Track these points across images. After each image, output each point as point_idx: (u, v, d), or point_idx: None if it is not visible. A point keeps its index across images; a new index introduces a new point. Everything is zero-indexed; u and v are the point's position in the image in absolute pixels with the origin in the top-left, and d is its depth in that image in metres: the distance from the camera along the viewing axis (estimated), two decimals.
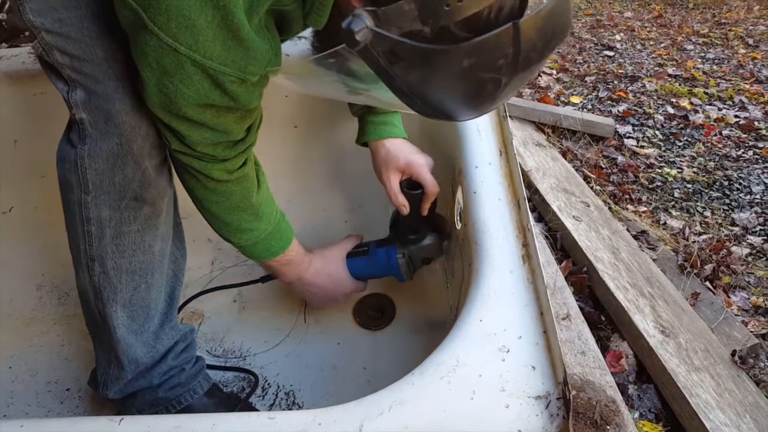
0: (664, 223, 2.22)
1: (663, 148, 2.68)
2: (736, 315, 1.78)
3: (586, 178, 2.39)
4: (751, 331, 1.71)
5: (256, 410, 1.29)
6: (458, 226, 1.19)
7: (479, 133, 1.19)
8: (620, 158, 2.58)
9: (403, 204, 1.27)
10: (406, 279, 1.35)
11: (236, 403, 1.29)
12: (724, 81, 3.18)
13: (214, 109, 0.90)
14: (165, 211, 1.10)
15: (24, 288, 1.57)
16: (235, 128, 0.97)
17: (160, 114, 0.91)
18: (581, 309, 1.72)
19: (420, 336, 1.41)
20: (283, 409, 1.30)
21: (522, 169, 1.51)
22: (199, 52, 0.79)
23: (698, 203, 2.33)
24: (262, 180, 1.15)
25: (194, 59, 0.80)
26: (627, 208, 2.27)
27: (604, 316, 1.70)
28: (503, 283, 0.94)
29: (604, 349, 1.60)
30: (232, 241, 1.17)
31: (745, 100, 3.00)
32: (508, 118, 1.18)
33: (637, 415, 1.38)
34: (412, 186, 1.27)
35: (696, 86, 3.13)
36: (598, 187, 2.35)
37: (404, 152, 1.25)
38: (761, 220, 2.25)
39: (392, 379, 0.85)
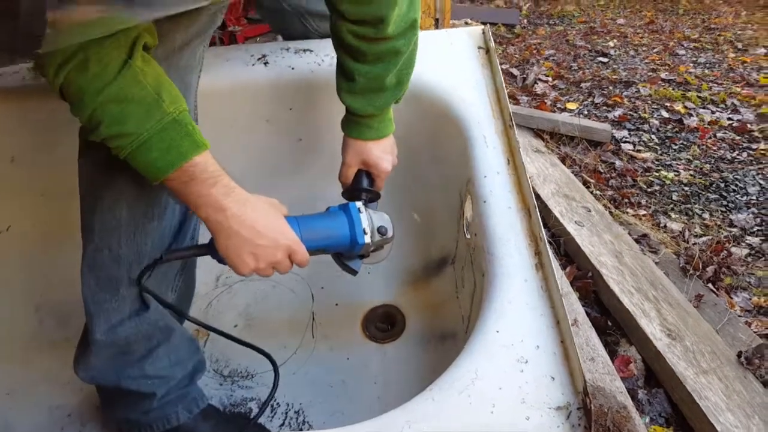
0: (664, 226, 2.23)
1: (659, 152, 2.70)
2: (739, 316, 1.79)
3: (585, 183, 2.40)
4: (755, 332, 1.72)
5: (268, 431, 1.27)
6: (467, 236, 1.19)
7: (486, 143, 1.19)
8: (618, 163, 2.60)
9: (346, 183, 1.26)
10: (363, 251, 1.17)
11: (241, 425, 1.27)
12: (716, 85, 3.21)
13: None
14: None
15: (23, 309, 1.53)
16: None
17: None
18: (588, 314, 1.72)
19: (430, 348, 1.40)
20: (294, 429, 1.29)
21: None
22: None
23: (696, 205, 2.35)
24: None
25: None
26: (627, 212, 2.28)
27: (611, 321, 1.70)
28: (518, 293, 0.93)
29: (612, 354, 1.60)
30: (119, 153, 0.96)
31: (737, 102, 3.02)
32: (514, 127, 1.18)
33: (647, 419, 1.38)
34: (366, 178, 1.25)
35: (689, 90, 3.15)
36: (597, 192, 2.36)
37: (373, 155, 1.23)
38: (758, 220, 2.26)
39: (404, 394, 0.85)
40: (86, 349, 1.17)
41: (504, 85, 1.26)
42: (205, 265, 1.59)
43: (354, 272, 1.18)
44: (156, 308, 1.18)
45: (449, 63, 1.34)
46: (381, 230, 1.13)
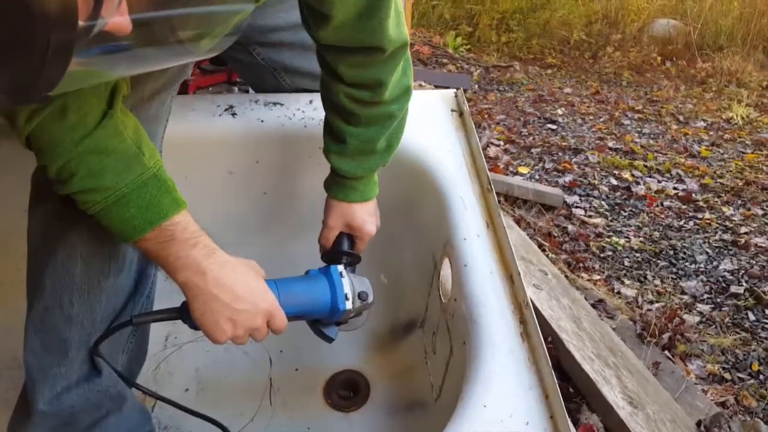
0: (618, 292, 2.26)
1: (610, 218, 2.77)
2: (695, 383, 1.80)
3: (540, 246, 2.42)
4: (712, 400, 1.74)
5: None
6: (444, 300, 1.15)
7: (464, 205, 1.17)
8: (571, 227, 2.64)
9: (326, 246, 1.22)
10: (342, 317, 1.11)
11: None
12: (660, 154, 3.35)
13: None
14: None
15: None
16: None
17: None
18: None
19: (398, 417, 1.33)
20: None
21: None
22: None
23: (648, 271, 2.39)
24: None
25: None
26: (582, 276, 2.30)
27: (571, 387, 1.68)
28: (504, 365, 0.90)
29: (575, 422, 1.57)
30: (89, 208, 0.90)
31: (681, 173, 3.15)
32: (493, 190, 1.16)
33: None
34: (347, 241, 1.22)
35: (636, 159, 3.27)
36: (552, 255, 2.37)
37: (358, 217, 1.20)
38: (707, 288, 2.32)
39: None
40: (25, 421, 1.05)
41: (480, 148, 1.25)
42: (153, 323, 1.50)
43: (330, 339, 1.12)
44: (109, 374, 1.08)
45: (424, 124, 1.34)
46: (362, 296, 1.09)
